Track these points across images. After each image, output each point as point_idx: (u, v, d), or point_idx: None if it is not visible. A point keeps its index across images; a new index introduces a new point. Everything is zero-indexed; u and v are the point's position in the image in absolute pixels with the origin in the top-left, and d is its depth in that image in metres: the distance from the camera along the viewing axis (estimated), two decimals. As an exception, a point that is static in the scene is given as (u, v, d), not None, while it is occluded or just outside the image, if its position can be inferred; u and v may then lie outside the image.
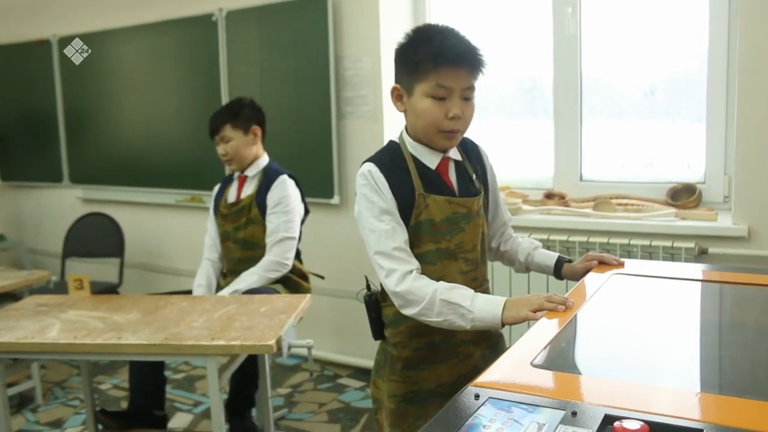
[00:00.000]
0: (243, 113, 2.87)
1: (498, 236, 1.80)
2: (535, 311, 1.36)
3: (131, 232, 4.27)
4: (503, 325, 1.42)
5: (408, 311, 1.48)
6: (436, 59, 1.45)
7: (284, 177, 2.89)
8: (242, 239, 2.90)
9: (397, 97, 1.57)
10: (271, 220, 2.83)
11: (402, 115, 1.61)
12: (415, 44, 1.50)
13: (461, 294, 1.44)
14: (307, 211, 3.01)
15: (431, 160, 1.57)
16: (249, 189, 2.91)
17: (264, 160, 2.95)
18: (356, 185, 1.57)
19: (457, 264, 1.57)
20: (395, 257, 1.48)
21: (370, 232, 1.51)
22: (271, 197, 2.84)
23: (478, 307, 1.42)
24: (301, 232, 3.00)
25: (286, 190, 2.86)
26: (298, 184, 2.94)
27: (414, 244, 1.53)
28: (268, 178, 2.88)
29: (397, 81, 1.57)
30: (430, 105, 1.49)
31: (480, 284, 1.63)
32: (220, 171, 3.61)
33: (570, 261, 1.73)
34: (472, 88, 1.51)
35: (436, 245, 1.54)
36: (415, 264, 1.50)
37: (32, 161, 4.96)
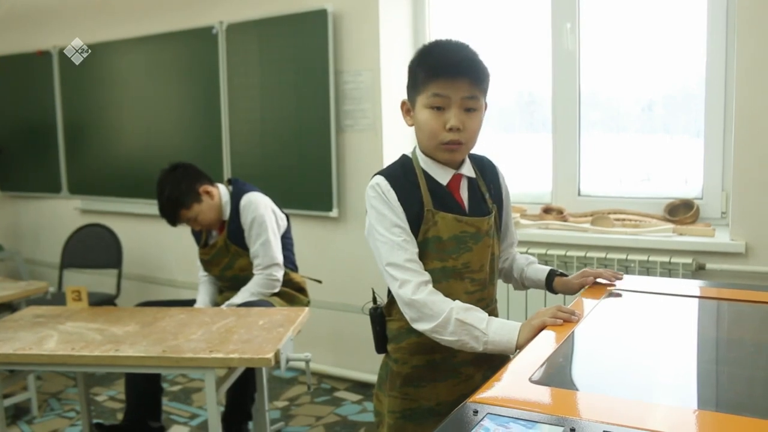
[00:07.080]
0: (182, 191, 2.76)
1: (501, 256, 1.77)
2: (546, 324, 1.35)
3: (129, 243, 4.27)
4: (517, 349, 1.38)
5: (420, 326, 1.46)
6: (432, 69, 1.46)
7: (248, 197, 2.83)
8: (231, 276, 2.91)
9: (406, 111, 1.57)
10: (250, 244, 2.82)
11: (402, 129, 1.61)
12: (417, 57, 1.52)
13: (477, 316, 1.43)
14: (286, 217, 2.98)
15: (442, 176, 1.54)
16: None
17: (225, 195, 2.88)
18: (366, 197, 1.55)
19: (463, 284, 1.54)
20: (408, 268, 1.46)
21: (382, 243, 1.49)
22: (243, 221, 2.81)
23: (492, 330, 1.40)
24: (291, 239, 2.99)
25: (256, 210, 2.80)
26: (266, 195, 2.90)
27: (420, 260, 1.50)
28: (234, 204, 2.83)
29: (407, 96, 1.57)
30: (428, 116, 1.48)
31: (487, 305, 1.59)
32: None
33: (564, 274, 1.70)
34: (474, 98, 1.47)
35: (442, 263, 1.52)
36: (427, 275, 1.48)
37: (31, 171, 4.96)
